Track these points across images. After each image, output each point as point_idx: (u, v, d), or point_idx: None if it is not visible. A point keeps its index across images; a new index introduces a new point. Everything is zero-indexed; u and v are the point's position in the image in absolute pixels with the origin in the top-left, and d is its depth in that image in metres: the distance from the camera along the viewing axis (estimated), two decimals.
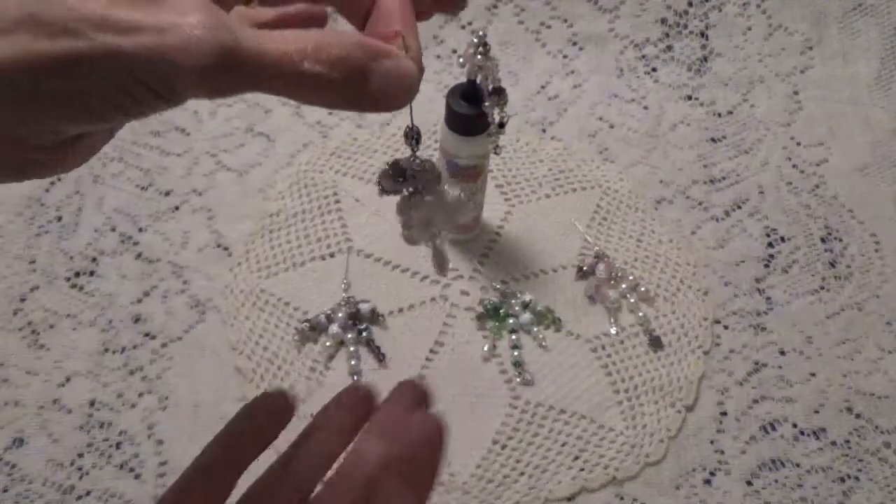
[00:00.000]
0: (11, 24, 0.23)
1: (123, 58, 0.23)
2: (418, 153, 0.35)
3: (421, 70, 0.28)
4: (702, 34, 0.80)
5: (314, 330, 0.61)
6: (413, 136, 0.34)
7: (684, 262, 0.67)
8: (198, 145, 0.73)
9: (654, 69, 0.79)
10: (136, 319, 0.62)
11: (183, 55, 0.23)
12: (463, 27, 0.79)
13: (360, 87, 0.26)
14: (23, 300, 0.63)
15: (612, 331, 0.63)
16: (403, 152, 0.76)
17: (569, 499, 0.56)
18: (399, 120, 0.75)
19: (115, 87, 0.24)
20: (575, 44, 0.80)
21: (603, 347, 0.62)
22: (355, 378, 0.59)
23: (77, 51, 0.23)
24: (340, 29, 0.27)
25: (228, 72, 0.24)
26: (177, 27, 0.23)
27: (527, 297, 0.63)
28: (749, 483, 0.57)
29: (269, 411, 0.37)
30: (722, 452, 0.58)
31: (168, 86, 0.24)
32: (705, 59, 0.80)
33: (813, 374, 0.62)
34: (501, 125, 0.56)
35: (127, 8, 0.23)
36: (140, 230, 0.67)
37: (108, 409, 0.58)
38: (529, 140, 0.75)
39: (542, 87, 0.78)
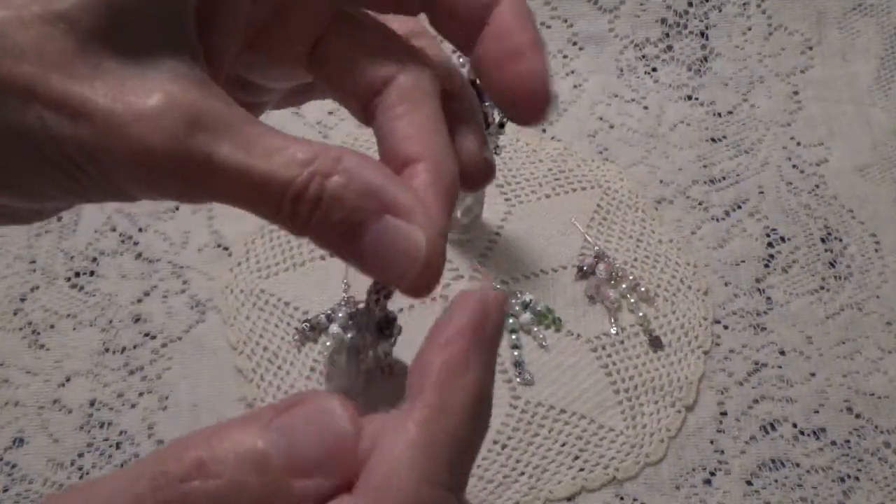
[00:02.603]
0: None
1: (55, 140, 0.18)
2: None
3: (437, 250, 0.20)
4: (702, 34, 0.80)
5: (314, 330, 0.61)
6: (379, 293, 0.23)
7: (684, 262, 0.67)
8: None
9: (654, 69, 0.79)
10: (136, 319, 0.62)
11: (128, 154, 0.17)
12: None
13: (348, 236, 0.19)
14: (23, 300, 0.62)
15: (612, 331, 0.63)
16: None
17: (569, 499, 0.56)
18: None
19: (50, 167, 0.18)
20: (575, 44, 0.80)
21: (603, 347, 0.62)
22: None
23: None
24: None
25: (189, 180, 0.18)
26: (129, 113, 0.17)
27: (527, 297, 0.63)
28: (749, 483, 0.57)
29: None
30: (722, 452, 0.58)
31: (112, 183, 0.19)
32: (705, 59, 0.80)
33: (813, 374, 0.62)
34: (501, 125, 0.56)
35: (74, 79, 0.17)
36: (140, 230, 0.66)
37: (108, 409, 0.58)
38: (529, 140, 0.75)
39: None
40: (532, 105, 0.21)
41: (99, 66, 0.18)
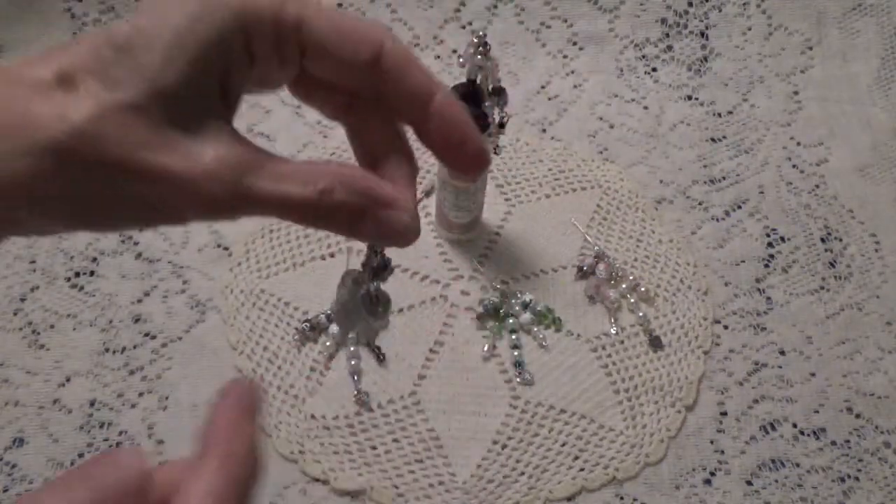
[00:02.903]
0: (40, 147, 0.23)
1: (141, 196, 0.25)
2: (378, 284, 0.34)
3: (415, 220, 0.28)
4: (702, 34, 0.80)
5: (314, 330, 0.61)
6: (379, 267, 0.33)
7: (684, 262, 0.67)
8: None
9: (654, 69, 0.79)
10: (136, 319, 0.62)
11: (196, 199, 0.25)
12: (463, 27, 0.79)
13: (355, 225, 0.27)
14: (23, 300, 0.62)
15: (612, 331, 0.63)
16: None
17: (569, 499, 0.56)
18: None
19: (128, 211, 0.26)
20: (575, 44, 0.80)
21: (603, 347, 0.62)
22: (355, 378, 0.59)
23: (100, 189, 0.25)
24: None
25: (238, 209, 0.26)
26: (197, 172, 0.25)
27: (527, 297, 0.63)
28: (749, 483, 0.57)
29: None
30: (722, 452, 0.58)
31: (177, 217, 0.26)
32: (705, 59, 0.80)
33: (813, 374, 0.62)
34: (501, 125, 0.56)
35: (155, 153, 0.24)
36: (140, 230, 0.66)
37: (108, 409, 0.58)
38: (529, 140, 0.75)
39: (542, 87, 0.78)
40: (481, 168, 0.30)
41: (167, 139, 0.24)
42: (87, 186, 0.24)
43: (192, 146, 0.25)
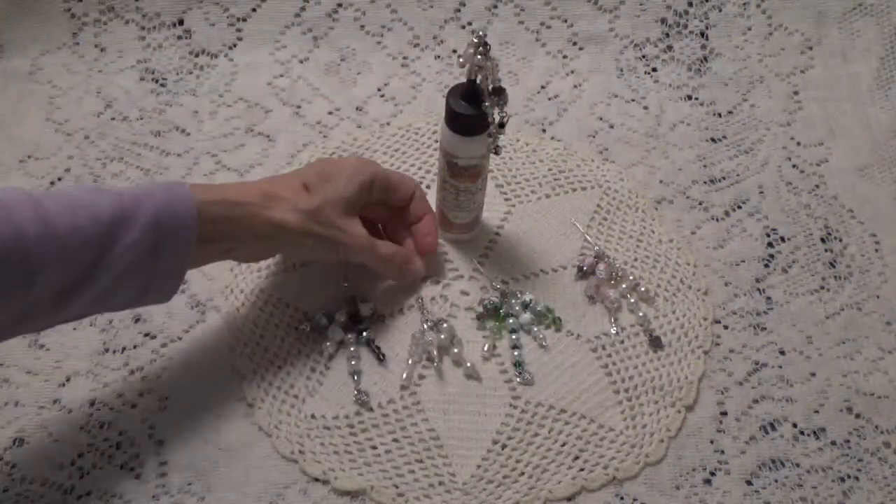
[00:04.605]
0: (302, 211, 0.54)
1: (334, 238, 0.56)
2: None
3: (423, 268, 0.63)
4: (702, 34, 0.80)
5: (314, 330, 0.61)
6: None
7: (684, 262, 0.67)
8: (198, 145, 0.73)
9: (654, 69, 0.79)
10: (136, 319, 0.62)
11: (353, 246, 0.57)
12: (463, 27, 0.79)
13: (401, 270, 0.61)
14: None
15: (612, 331, 0.63)
16: (403, 152, 0.76)
17: (569, 499, 0.56)
18: (399, 120, 0.75)
19: (328, 244, 0.57)
20: (575, 44, 0.80)
21: (603, 347, 0.62)
22: (355, 378, 0.59)
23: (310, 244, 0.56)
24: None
25: (366, 256, 0.59)
26: (355, 234, 0.57)
27: (527, 297, 0.63)
28: (749, 483, 0.57)
29: None
30: (722, 452, 0.58)
31: (339, 254, 0.57)
32: (705, 59, 0.80)
33: (813, 374, 0.62)
34: (501, 125, 0.56)
35: (340, 219, 0.56)
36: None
37: (108, 409, 0.58)
38: (529, 140, 0.75)
39: (542, 87, 0.78)
40: (428, 252, 0.63)
41: (342, 217, 0.56)
42: (315, 230, 0.55)
43: (353, 226, 0.57)
